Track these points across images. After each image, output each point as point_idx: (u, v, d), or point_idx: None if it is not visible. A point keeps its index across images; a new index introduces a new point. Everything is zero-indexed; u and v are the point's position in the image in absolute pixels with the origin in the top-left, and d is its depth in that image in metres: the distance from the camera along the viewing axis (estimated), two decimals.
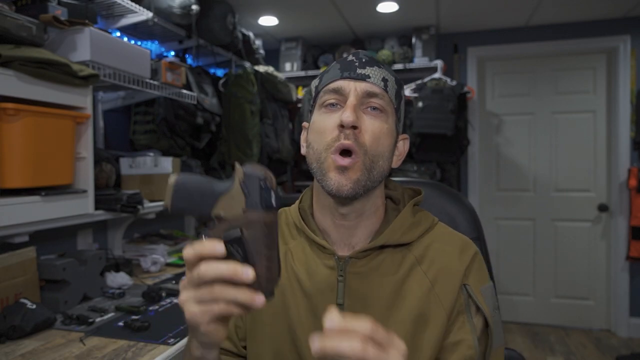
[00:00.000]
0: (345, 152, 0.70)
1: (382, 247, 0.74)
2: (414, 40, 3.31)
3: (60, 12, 1.48)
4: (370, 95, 0.72)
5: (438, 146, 3.03)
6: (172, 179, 0.54)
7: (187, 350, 0.63)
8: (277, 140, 3.02)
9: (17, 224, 1.30)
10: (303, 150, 0.80)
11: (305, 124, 0.82)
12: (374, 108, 0.72)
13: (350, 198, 0.71)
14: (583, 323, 3.44)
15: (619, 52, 3.24)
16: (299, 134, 3.20)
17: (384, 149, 0.72)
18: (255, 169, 0.54)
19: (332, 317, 0.47)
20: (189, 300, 0.52)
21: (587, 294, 3.43)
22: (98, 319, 1.36)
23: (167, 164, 1.97)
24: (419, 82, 3.13)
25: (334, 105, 0.73)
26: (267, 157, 2.97)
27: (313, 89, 0.81)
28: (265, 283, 0.52)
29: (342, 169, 0.69)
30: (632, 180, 3.14)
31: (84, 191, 1.51)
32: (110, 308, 1.46)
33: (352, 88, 0.72)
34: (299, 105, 3.29)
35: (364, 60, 0.75)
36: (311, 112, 0.79)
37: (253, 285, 0.51)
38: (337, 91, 0.73)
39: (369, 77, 0.73)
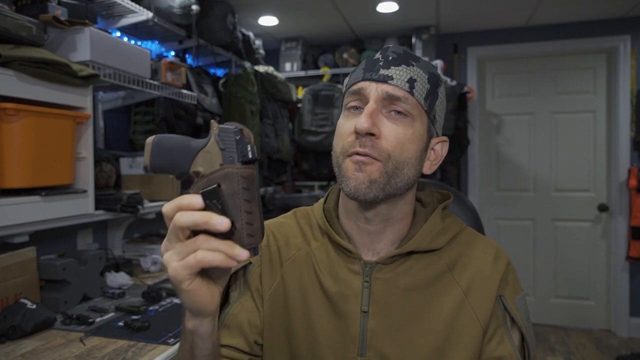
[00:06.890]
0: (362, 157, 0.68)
1: (410, 252, 0.72)
2: (414, 40, 3.30)
3: (60, 12, 1.48)
4: (392, 98, 0.68)
5: None
6: (151, 138, 0.55)
7: (183, 328, 0.62)
8: (277, 140, 3.02)
9: (17, 224, 1.30)
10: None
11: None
12: (398, 112, 0.69)
13: (371, 202, 0.69)
14: (583, 323, 3.44)
15: (619, 52, 3.24)
16: (299, 134, 3.22)
17: (409, 155, 0.69)
18: (231, 123, 0.54)
19: None
20: (170, 257, 0.51)
21: (587, 294, 3.43)
22: (98, 319, 1.36)
23: None
24: None
25: (356, 108, 0.71)
26: (267, 157, 2.97)
27: (344, 88, 0.78)
28: (247, 238, 0.51)
29: (360, 164, 0.67)
30: (632, 180, 3.14)
31: (84, 191, 1.51)
32: (110, 308, 1.46)
33: (373, 90, 0.69)
34: (299, 105, 3.28)
35: (390, 58, 0.71)
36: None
37: (234, 240, 0.51)
38: (358, 92, 0.70)
39: (392, 79, 0.69)
